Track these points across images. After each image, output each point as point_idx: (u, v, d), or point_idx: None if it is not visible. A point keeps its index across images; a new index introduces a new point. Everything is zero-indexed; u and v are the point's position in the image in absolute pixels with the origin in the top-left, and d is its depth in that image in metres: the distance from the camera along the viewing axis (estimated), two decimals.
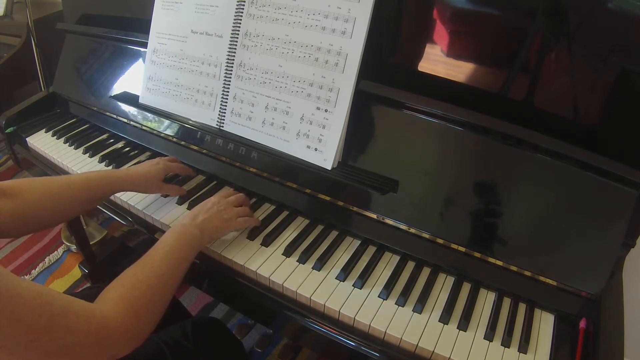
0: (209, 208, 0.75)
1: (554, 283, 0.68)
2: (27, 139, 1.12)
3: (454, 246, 0.73)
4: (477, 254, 0.71)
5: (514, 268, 0.70)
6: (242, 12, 0.86)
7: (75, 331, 0.47)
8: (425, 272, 0.75)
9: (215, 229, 0.73)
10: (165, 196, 0.89)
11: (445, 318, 0.66)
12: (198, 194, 0.90)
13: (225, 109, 0.90)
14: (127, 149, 1.06)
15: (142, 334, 0.55)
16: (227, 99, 0.90)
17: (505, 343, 0.64)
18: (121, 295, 0.55)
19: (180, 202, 0.88)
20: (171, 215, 0.85)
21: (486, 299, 0.71)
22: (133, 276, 0.58)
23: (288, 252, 0.76)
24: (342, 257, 0.76)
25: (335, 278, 0.72)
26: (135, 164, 1.00)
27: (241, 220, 0.78)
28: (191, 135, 0.94)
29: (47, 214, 0.69)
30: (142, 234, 0.87)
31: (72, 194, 0.72)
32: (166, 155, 1.00)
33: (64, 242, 1.73)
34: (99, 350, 0.49)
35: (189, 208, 0.86)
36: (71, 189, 0.72)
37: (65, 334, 0.46)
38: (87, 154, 1.04)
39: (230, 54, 0.89)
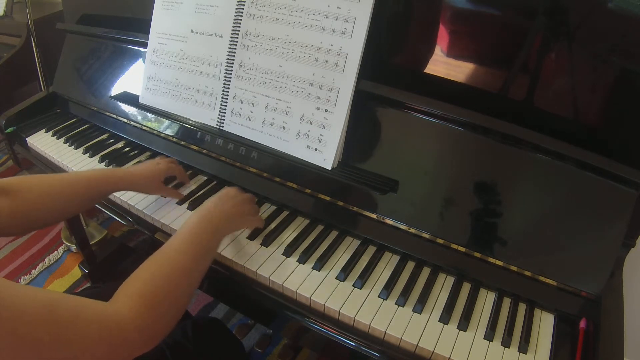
0: (233, 197, 0.72)
1: (554, 283, 0.68)
2: (27, 139, 1.12)
3: (454, 246, 0.73)
4: (477, 254, 0.71)
5: (514, 268, 0.70)
6: (242, 12, 0.86)
7: (85, 339, 0.44)
8: (425, 272, 0.75)
9: (234, 221, 0.71)
10: (165, 196, 0.89)
11: (445, 318, 0.66)
12: (198, 194, 0.90)
13: (225, 109, 0.90)
14: (127, 149, 1.06)
15: (159, 332, 0.52)
16: (227, 99, 0.90)
17: (505, 343, 0.64)
18: (137, 290, 0.51)
19: (180, 202, 0.88)
20: (171, 216, 0.85)
21: (486, 299, 0.71)
22: (152, 265, 0.55)
23: (288, 252, 0.76)
24: (342, 257, 0.76)
25: (335, 278, 0.72)
26: (135, 164, 1.00)
27: (255, 219, 0.76)
28: (191, 135, 0.94)
29: (47, 211, 0.69)
30: (142, 234, 0.87)
31: (72, 192, 0.72)
32: (166, 156, 1.00)
33: (64, 242, 1.73)
34: (112, 353, 0.47)
35: (189, 208, 0.86)
36: (72, 187, 0.72)
37: (72, 345, 0.43)
38: (87, 154, 1.04)
39: (230, 54, 0.89)
